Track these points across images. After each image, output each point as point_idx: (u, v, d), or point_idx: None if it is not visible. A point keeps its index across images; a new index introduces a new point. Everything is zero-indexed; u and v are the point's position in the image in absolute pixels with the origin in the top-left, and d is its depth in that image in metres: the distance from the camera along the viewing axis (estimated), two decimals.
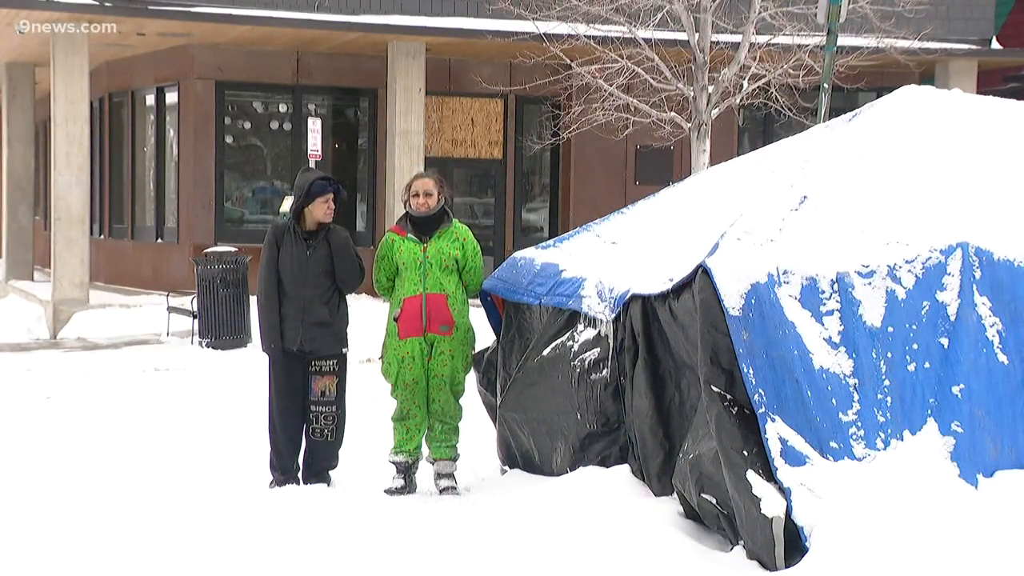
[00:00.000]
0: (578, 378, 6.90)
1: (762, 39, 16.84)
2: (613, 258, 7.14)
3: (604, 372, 6.74)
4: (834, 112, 13.26)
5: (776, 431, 5.40)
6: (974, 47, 21.78)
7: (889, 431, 5.52)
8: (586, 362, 6.87)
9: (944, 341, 5.66)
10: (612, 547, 5.68)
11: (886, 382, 5.56)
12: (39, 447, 9.05)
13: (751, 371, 5.46)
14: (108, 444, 9.16)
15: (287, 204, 7.62)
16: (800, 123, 16.73)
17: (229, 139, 21.20)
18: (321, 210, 7.48)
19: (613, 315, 6.62)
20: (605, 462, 6.78)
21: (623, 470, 6.60)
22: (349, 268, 7.54)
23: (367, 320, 13.21)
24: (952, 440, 5.53)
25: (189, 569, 5.85)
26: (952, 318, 5.69)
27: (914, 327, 5.66)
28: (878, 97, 7.59)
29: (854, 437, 5.47)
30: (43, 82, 23.13)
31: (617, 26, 16.71)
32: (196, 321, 15.42)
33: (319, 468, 7.59)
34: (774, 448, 5.37)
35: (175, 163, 21.46)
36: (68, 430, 9.79)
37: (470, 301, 7.73)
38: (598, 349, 6.80)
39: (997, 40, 22.40)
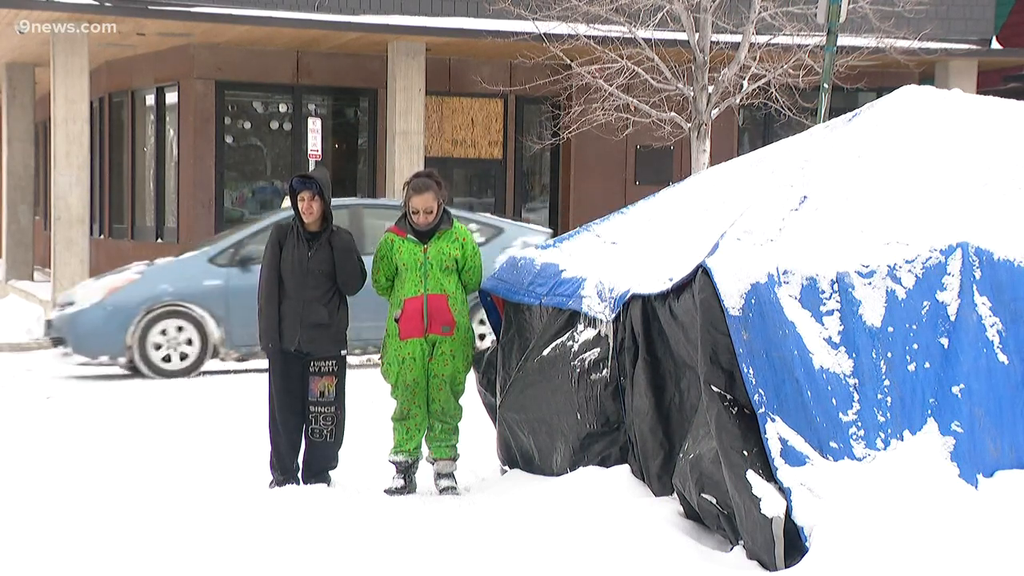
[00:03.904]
0: (578, 378, 6.90)
1: (762, 39, 16.85)
2: (613, 258, 7.14)
3: (604, 372, 6.74)
4: (834, 112, 13.26)
5: (776, 431, 5.40)
6: (974, 47, 21.78)
7: (889, 431, 5.52)
8: (586, 362, 6.87)
9: (944, 341, 5.66)
10: (612, 547, 5.68)
11: (886, 382, 5.57)
12: (39, 447, 9.05)
13: (751, 371, 5.46)
14: (108, 444, 9.16)
15: (286, 204, 7.63)
16: (800, 123, 16.74)
17: (229, 139, 21.20)
18: (299, 208, 7.47)
19: (613, 315, 6.62)
20: (605, 462, 6.78)
21: (623, 470, 6.60)
22: (351, 271, 7.53)
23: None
24: (952, 440, 5.53)
25: (189, 569, 5.85)
26: (952, 318, 5.69)
27: (914, 327, 5.66)
28: (878, 97, 7.59)
29: (854, 437, 5.47)
30: (43, 82, 23.14)
31: (617, 26, 16.72)
32: None
33: (319, 468, 7.60)
34: (774, 448, 5.37)
35: (175, 163, 21.46)
36: (68, 430, 9.79)
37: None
38: (598, 349, 6.80)
39: (997, 40, 22.40)
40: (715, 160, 15.16)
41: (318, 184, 7.47)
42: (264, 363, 13.11)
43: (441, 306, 7.52)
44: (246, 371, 12.96)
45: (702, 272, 5.68)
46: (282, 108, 21.33)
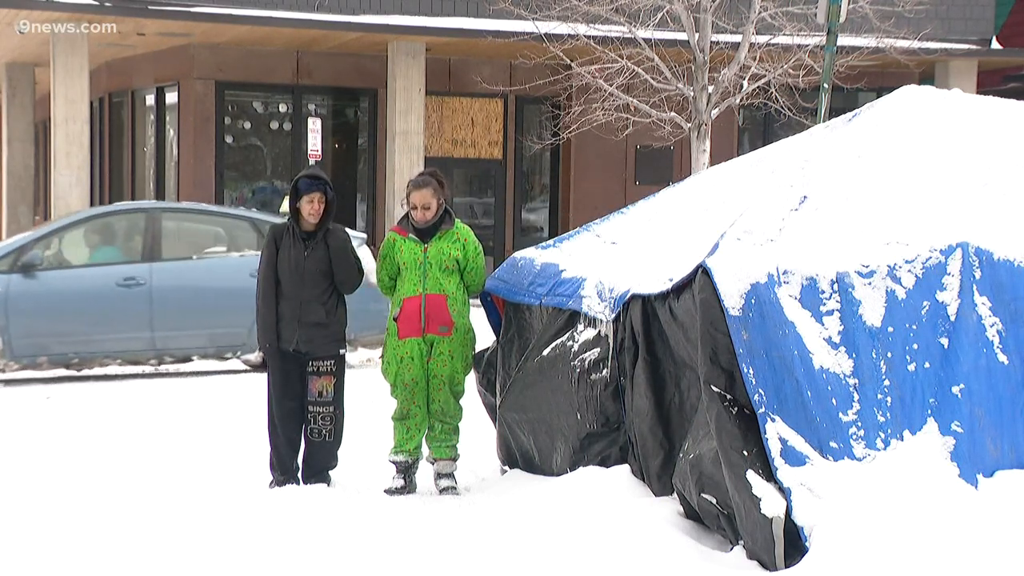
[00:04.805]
0: (578, 378, 6.90)
1: (762, 39, 16.86)
2: (613, 258, 7.14)
3: (604, 372, 6.74)
4: (834, 112, 13.26)
5: (776, 431, 5.40)
6: (974, 47, 21.78)
7: (889, 431, 5.52)
8: (586, 362, 6.86)
9: (944, 341, 5.66)
10: (612, 547, 5.68)
11: (886, 382, 5.56)
12: (39, 447, 9.05)
13: (751, 371, 5.46)
14: (108, 444, 9.16)
15: (287, 204, 7.62)
16: (800, 123, 16.75)
17: (229, 139, 21.21)
18: (305, 209, 7.47)
19: (613, 315, 6.62)
20: (605, 462, 6.78)
21: (623, 470, 6.60)
22: (347, 270, 7.53)
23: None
24: (952, 440, 5.53)
25: (189, 569, 5.85)
26: (952, 318, 5.69)
27: (914, 327, 5.66)
28: (878, 97, 7.59)
29: (854, 437, 5.47)
30: (43, 82, 23.15)
31: (617, 26, 16.73)
32: None
33: (318, 468, 7.59)
34: (774, 448, 5.37)
35: (175, 163, 21.47)
36: (68, 430, 9.79)
37: (471, 302, 7.73)
38: (598, 349, 6.80)
39: (997, 40, 22.41)
40: (715, 160, 15.16)
41: (328, 185, 7.50)
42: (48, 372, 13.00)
43: (439, 306, 7.51)
44: (245, 371, 12.96)
45: (702, 272, 5.68)
46: (282, 108, 21.34)
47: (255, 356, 13.03)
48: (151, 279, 12.64)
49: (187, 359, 12.96)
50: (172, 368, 13.56)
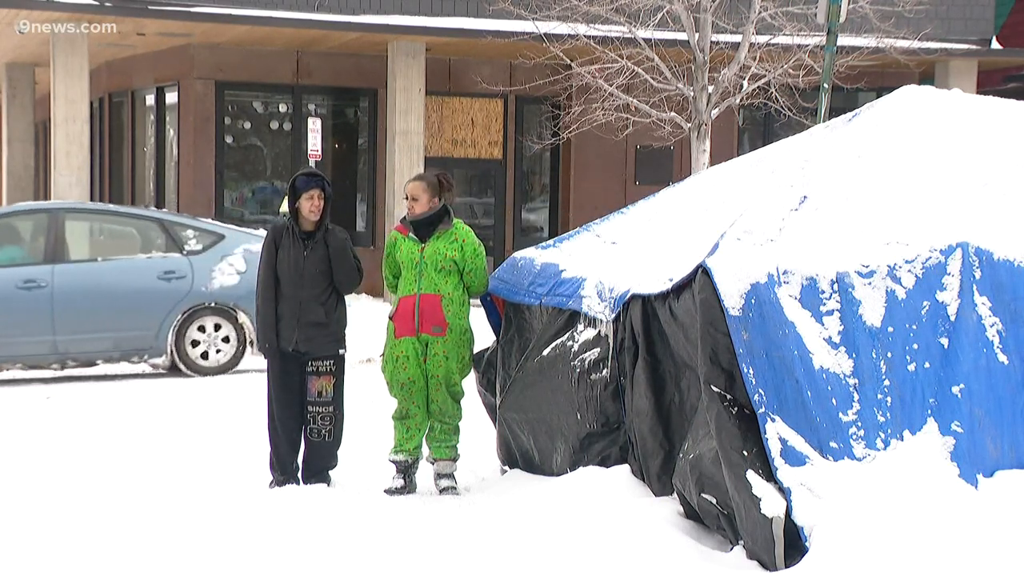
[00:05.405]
0: (578, 378, 6.90)
1: (762, 39, 16.87)
2: (613, 258, 7.14)
3: (604, 372, 6.75)
4: (834, 112, 13.27)
5: (776, 431, 5.40)
6: (974, 47, 21.78)
7: (889, 431, 5.52)
8: (586, 362, 6.87)
9: (944, 341, 5.66)
10: (612, 547, 5.68)
11: (886, 382, 5.57)
12: (39, 447, 9.05)
13: (751, 371, 5.46)
14: (108, 444, 9.16)
15: (286, 204, 7.63)
16: (800, 123, 16.76)
17: (229, 139, 21.20)
18: (305, 207, 7.47)
19: (613, 315, 6.62)
20: (605, 462, 6.78)
21: (623, 470, 6.60)
22: (346, 270, 7.53)
23: (367, 320, 13.23)
24: (952, 440, 5.53)
25: (189, 569, 5.85)
26: (952, 318, 5.69)
27: (914, 327, 5.66)
28: (878, 97, 7.59)
29: (854, 437, 5.47)
30: (43, 82, 23.16)
31: (617, 26, 16.74)
32: None
33: (318, 468, 7.60)
34: (774, 448, 5.37)
35: (175, 163, 21.47)
36: (68, 430, 9.79)
37: (471, 302, 7.72)
38: (598, 349, 6.80)
39: (997, 40, 22.40)
40: (715, 160, 15.17)
41: (326, 182, 7.50)
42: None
43: (433, 306, 7.51)
44: (247, 372, 12.96)
45: (702, 272, 5.68)
46: (282, 108, 21.33)
47: (162, 360, 12.87)
48: (53, 281, 12.30)
49: (91, 363, 12.70)
50: (171, 364, 13.56)
